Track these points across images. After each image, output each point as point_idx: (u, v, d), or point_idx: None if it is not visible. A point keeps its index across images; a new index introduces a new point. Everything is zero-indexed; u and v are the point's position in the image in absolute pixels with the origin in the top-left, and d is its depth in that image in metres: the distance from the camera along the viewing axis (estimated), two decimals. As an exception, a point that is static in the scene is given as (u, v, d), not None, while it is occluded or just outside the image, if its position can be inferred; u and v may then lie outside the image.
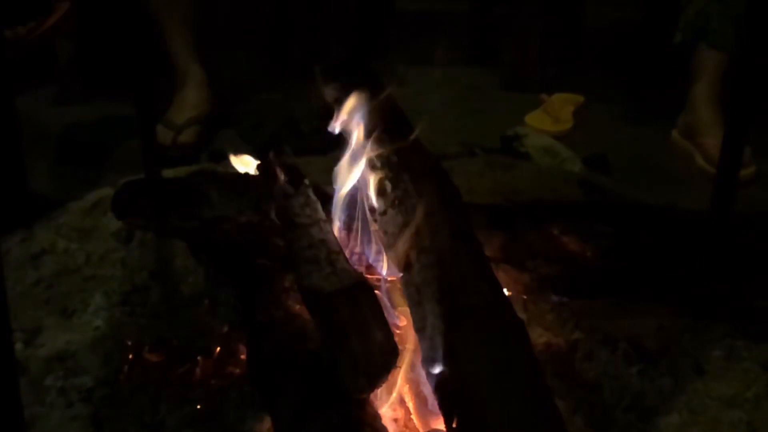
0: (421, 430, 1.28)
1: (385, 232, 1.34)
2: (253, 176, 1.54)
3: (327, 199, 1.44)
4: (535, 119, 2.54)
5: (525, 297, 1.52)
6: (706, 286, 1.50)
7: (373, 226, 1.37)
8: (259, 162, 1.52)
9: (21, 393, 0.97)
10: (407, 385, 1.30)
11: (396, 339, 1.26)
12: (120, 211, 1.64)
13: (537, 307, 1.52)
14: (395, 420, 1.29)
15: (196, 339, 1.50)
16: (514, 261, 1.49)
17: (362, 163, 1.38)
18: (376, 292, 1.28)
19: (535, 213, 1.61)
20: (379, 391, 1.26)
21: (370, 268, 1.41)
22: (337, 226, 1.42)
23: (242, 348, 1.45)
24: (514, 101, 2.67)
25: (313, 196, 1.41)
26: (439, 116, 2.55)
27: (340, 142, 1.45)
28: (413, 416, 1.30)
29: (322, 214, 1.38)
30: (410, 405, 1.30)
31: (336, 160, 1.42)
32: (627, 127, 2.55)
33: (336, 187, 1.41)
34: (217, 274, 1.58)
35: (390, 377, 1.24)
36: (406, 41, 2.99)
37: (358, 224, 1.42)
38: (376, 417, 1.21)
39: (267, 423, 1.32)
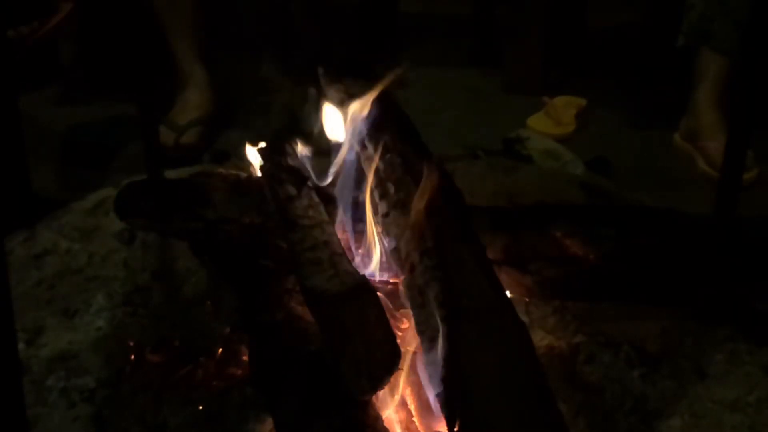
0: (422, 432, 1.28)
1: (388, 234, 1.34)
2: (256, 177, 1.54)
3: (330, 200, 1.43)
4: (538, 122, 2.54)
5: (527, 300, 1.52)
6: (709, 290, 1.50)
7: (376, 228, 1.37)
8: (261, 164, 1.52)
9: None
10: (409, 388, 1.30)
11: (398, 341, 1.26)
12: (122, 212, 1.64)
13: (539, 309, 1.52)
14: (397, 422, 1.29)
15: (198, 340, 1.49)
16: (516, 263, 1.49)
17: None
18: (379, 294, 1.28)
19: (537, 216, 1.60)
20: (381, 393, 1.26)
21: (372, 269, 1.40)
22: (339, 223, 1.42)
23: (244, 349, 1.45)
24: (517, 104, 2.67)
25: (316, 198, 1.41)
26: (442, 118, 2.56)
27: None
28: (415, 418, 1.30)
29: (325, 216, 1.38)
30: (412, 407, 1.30)
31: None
32: (629, 131, 2.55)
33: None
34: (219, 275, 1.58)
35: (392, 379, 1.24)
36: (409, 43, 2.99)
37: (360, 226, 1.42)
38: (378, 419, 1.21)
39: (269, 424, 1.32)
